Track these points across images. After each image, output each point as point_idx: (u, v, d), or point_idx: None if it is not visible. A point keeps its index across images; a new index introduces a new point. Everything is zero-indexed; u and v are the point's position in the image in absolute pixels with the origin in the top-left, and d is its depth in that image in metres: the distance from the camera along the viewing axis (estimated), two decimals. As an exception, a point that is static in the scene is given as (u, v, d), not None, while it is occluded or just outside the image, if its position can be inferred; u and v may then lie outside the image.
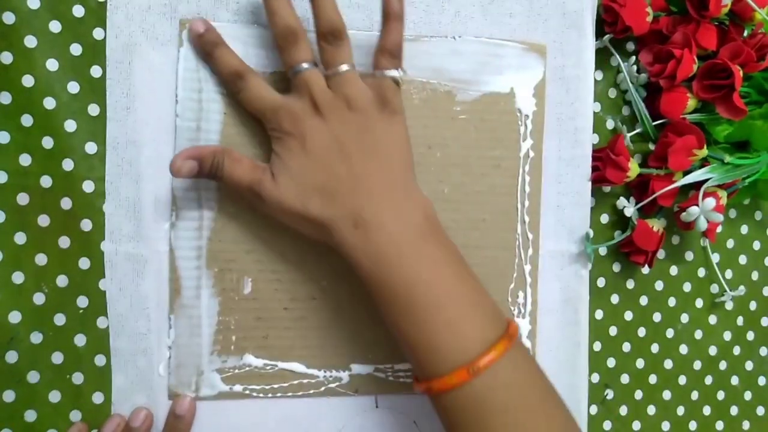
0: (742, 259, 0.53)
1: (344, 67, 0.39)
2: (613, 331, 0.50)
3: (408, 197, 0.40)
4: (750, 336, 0.54)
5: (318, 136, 0.38)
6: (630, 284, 0.51)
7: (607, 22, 0.47)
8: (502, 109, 0.46)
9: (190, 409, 0.42)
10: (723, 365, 0.53)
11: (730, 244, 0.53)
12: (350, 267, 0.39)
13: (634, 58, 0.49)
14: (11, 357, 0.41)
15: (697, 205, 0.46)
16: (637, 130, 0.49)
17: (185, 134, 0.42)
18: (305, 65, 0.39)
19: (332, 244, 0.39)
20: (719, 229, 0.52)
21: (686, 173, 0.47)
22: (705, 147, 0.46)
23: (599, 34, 0.48)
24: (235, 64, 0.41)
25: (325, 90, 0.39)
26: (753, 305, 0.54)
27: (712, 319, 0.53)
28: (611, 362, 0.50)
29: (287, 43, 0.39)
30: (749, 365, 0.54)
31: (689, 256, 0.52)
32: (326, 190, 0.38)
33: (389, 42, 0.40)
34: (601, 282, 0.50)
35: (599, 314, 0.50)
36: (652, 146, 0.49)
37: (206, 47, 0.41)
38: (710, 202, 0.46)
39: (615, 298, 0.50)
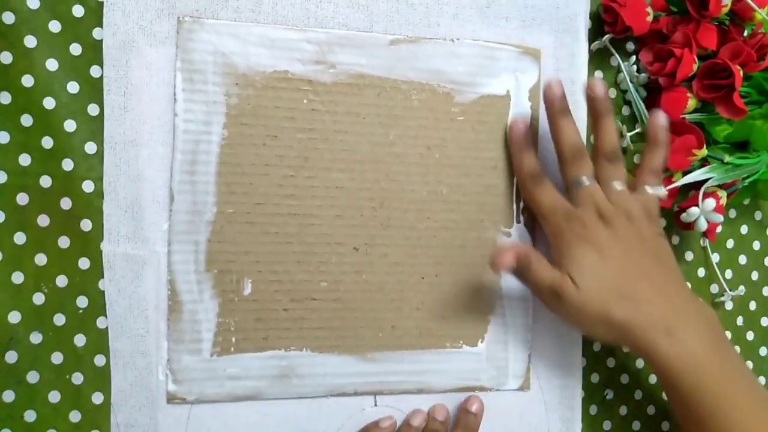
0: (742, 259, 0.53)
1: (620, 185, 0.43)
2: (612, 331, 0.50)
3: (696, 304, 0.43)
4: (750, 336, 0.54)
5: (611, 244, 0.42)
6: (630, 284, 0.51)
7: (607, 21, 0.47)
8: (499, 111, 0.46)
9: (480, 407, 0.46)
10: (723, 365, 0.53)
11: (729, 244, 0.53)
12: (656, 372, 0.42)
13: (634, 57, 0.49)
14: (11, 357, 0.41)
15: (697, 205, 0.46)
16: (637, 130, 0.49)
17: (186, 135, 0.42)
18: (586, 180, 0.43)
19: (634, 347, 0.42)
20: (719, 229, 0.52)
21: (686, 173, 0.47)
22: (705, 147, 0.46)
23: (599, 33, 0.48)
24: (537, 165, 0.45)
25: (607, 202, 0.43)
26: (753, 305, 0.54)
27: (712, 319, 0.53)
28: (611, 362, 0.50)
29: (574, 159, 0.44)
30: (749, 365, 0.54)
31: (689, 256, 0.52)
32: (627, 295, 0.41)
33: (654, 164, 0.44)
34: (600, 282, 0.50)
35: (599, 314, 0.50)
36: (652, 146, 0.49)
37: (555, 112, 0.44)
38: (710, 202, 0.46)
39: (614, 298, 0.50)
